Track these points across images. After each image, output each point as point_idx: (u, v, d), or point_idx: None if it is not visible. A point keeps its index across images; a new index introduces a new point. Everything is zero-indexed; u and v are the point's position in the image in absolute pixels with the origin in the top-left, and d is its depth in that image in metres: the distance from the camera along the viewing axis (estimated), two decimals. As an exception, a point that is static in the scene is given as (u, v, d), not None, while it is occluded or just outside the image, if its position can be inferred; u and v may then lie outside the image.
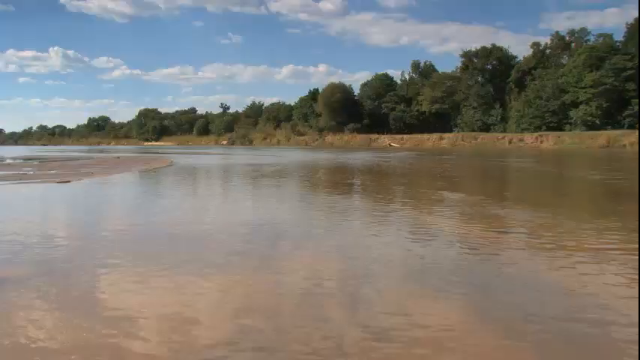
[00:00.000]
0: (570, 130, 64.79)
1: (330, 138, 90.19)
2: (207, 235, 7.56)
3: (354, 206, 11.30)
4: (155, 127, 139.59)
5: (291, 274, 5.33)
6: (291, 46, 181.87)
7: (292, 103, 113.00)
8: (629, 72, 62.84)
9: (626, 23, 72.23)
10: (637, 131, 56.68)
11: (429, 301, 4.47)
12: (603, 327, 3.85)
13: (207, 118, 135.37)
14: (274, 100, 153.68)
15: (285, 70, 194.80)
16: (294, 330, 3.80)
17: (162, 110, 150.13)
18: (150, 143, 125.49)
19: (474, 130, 77.06)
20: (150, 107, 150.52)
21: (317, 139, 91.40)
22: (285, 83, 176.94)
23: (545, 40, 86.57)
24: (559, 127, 67.03)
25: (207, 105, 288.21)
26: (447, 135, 76.16)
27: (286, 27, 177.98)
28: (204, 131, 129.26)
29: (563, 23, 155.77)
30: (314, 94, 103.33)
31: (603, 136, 56.93)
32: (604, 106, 63.35)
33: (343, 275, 5.30)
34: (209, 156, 44.52)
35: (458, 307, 4.32)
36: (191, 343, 3.60)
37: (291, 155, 43.40)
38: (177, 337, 3.70)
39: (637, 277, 5.06)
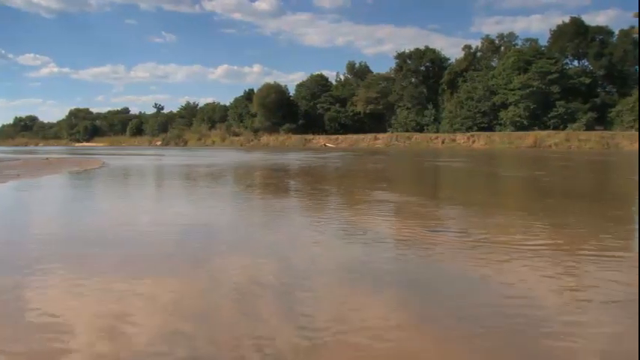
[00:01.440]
0: (500, 131, 66.92)
1: (265, 138, 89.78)
2: (138, 238, 7.30)
3: (288, 207, 11.24)
4: (86, 127, 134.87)
5: (225, 277, 5.25)
6: (225, 46, 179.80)
7: (227, 104, 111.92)
8: (554, 75, 65.53)
9: (550, 29, 75.68)
10: (560, 132, 59.30)
11: (364, 300, 4.44)
12: (532, 321, 3.89)
13: (141, 118, 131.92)
14: (209, 100, 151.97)
15: (220, 70, 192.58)
16: (225, 335, 3.69)
17: (94, 110, 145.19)
18: (81, 144, 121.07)
19: (407, 131, 78.38)
20: (80, 107, 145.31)
21: (252, 140, 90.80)
22: (220, 83, 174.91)
23: (476, 43, 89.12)
24: (490, 128, 69.11)
25: (140, 105, 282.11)
26: (381, 135, 77.20)
27: (221, 27, 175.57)
28: (138, 132, 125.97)
29: (492, 27, 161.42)
30: (249, 95, 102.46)
31: (531, 137, 59.19)
32: (531, 107, 65.74)
33: (278, 277, 5.20)
34: (143, 157, 43.39)
35: (393, 306, 4.33)
36: (118, 352, 3.43)
37: (227, 156, 42.94)
38: (104, 345, 3.52)
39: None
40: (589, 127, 61.54)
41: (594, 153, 44.81)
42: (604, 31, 72.08)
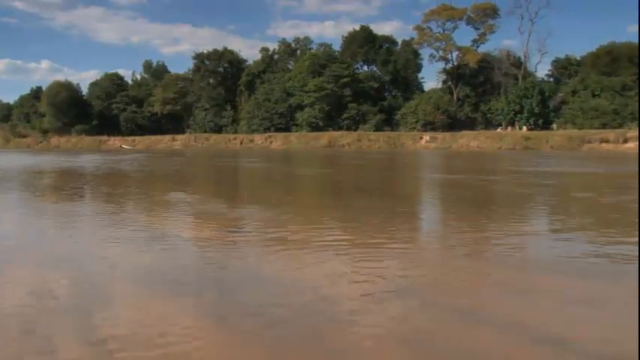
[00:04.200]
0: (297, 131, 68.53)
1: (55, 140, 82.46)
2: None
3: (80, 212, 10.19)
4: None
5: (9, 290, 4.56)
6: (5, 38, 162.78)
7: (11, 102, 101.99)
8: (346, 79, 68.86)
9: (342, 36, 79.56)
10: (352, 133, 62.38)
11: (160, 306, 4.16)
12: (323, 313, 3.89)
13: None
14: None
15: (1, 64, 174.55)
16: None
17: None
18: None
19: (206, 132, 77.12)
20: None
21: (41, 142, 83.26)
22: (1, 79, 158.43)
23: (273, 45, 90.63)
24: (287, 129, 70.46)
25: None
26: (179, 136, 74.98)
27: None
28: None
29: (288, 31, 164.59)
30: (37, 93, 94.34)
31: (326, 137, 61.37)
32: (326, 109, 68.35)
33: (68, 285, 4.72)
34: None
35: (190, 310, 4.08)
36: None
37: (10, 159, 38.51)
38: None
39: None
40: (378, 128, 65.44)
41: (383, 152, 47.51)
42: (389, 40, 77.65)
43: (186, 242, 6.69)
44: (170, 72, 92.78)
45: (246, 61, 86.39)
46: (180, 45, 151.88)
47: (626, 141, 48.08)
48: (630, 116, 54.73)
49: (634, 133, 48.89)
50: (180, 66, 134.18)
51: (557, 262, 5.57)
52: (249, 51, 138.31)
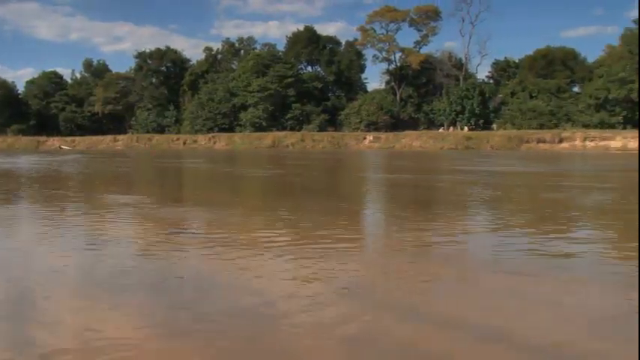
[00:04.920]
0: (240, 132, 68.08)
1: (-11, 140, 79.97)
2: None
3: (15, 216, 9.61)
4: None
5: None
6: None
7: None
8: (290, 79, 68.77)
9: (286, 36, 79.47)
10: (296, 133, 62.34)
11: (98, 312, 3.99)
12: (269, 314, 3.86)
13: None
14: None
15: None
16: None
17: None
18: None
19: (149, 132, 75.61)
20: None
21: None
22: None
23: (217, 45, 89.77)
24: (230, 129, 69.91)
25: None
26: (121, 137, 73.20)
27: None
28: None
29: (232, 31, 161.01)
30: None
31: (270, 137, 61.17)
32: (269, 109, 68.13)
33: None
34: None
35: (128, 316, 3.92)
36: None
37: None
38: None
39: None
40: (322, 128, 65.66)
41: (327, 152, 47.67)
42: (333, 41, 78.02)
43: (127, 246, 6.45)
44: (111, 71, 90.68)
45: (189, 60, 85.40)
46: (121, 43, 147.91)
47: (561, 141, 49.72)
48: (565, 117, 56.54)
49: (568, 133, 50.55)
50: (122, 65, 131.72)
51: (497, 259, 5.68)
52: (193, 50, 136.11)
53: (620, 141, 47.16)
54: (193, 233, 7.31)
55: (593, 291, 4.55)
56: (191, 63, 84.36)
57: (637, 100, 51.86)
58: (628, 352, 3.19)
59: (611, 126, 52.35)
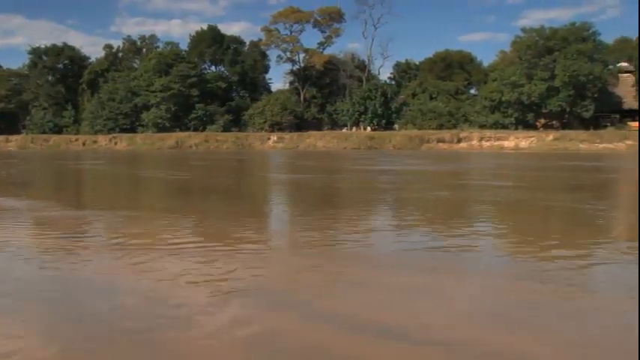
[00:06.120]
0: (143, 132, 66.61)
1: None
2: None
3: None
4: None
5: None
6: None
7: None
8: (193, 79, 67.92)
9: (190, 35, 78.46)
10: (200, 133, 61.79)
11: None
12: (172, 319, 3.78)
13: None
14: None
15: None
16: None
17: None
18: None
19: (45, 132, 72.33)
20: None
21: None
22: None
23: (117, 43, 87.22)
24: (132, 129, 68.25)
25: None
26: (14, 137, 69.53)
27: None
28: None
29: (133, 28, 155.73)
30: None
31: (173, 138, 60.32)
32: (172, 109, 67.04)
33: None
34: None
35: (22, 325, 3.78)
36: None
37: None
38: None
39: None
40: (226, 128, 65.38)
41: (231, 153, 47.58)
42: (237, 41, 77.73)
43: (18, 252, 6.10)
44: (2, 67, 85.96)
45: (88, 58, 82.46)
46: (13, 38, 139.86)
47: (459, 141, 52.21)
48: (463, 118, 59.16)
49: (466, 133, 53.04)
50: (15, 61, 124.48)
51: (399, 256, 5.84)
52: (92, 48, 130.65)
53: (513, 141, 50.26)
54: (91, 237, 7.08)
55: (490, 285, 4.74)
56: (90, 61, 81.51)
57: (527, 102, 55.04)
58: (526, 344, 3.31)
59: (505, 127, 55.46)
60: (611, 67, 57.63)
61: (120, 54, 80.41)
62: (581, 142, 46.91)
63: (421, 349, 3.28)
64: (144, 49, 79.61)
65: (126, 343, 3.41)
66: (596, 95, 53.88)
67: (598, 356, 3.22)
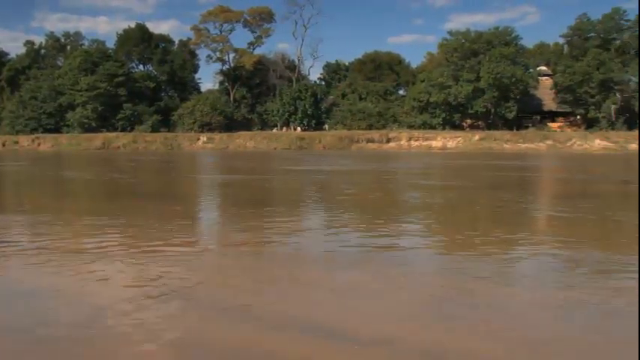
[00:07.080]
0: (68, 132, 64.81)
1: None
2: None
3: None
4: None
5: None
6: None
7: None
8: (121, 78, 66.54)
9: (117, 32, 76.88)
10: (128, 134, 60.68)
11: None
12: (99, 323, 3.86)
13: None
14: None
15: None
16: None
17: None
18: None
19: (-39, 132, 69.70)
20: None
21: None
22: None
23: (40, 39, 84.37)
24: (57, 129, 66.26)
25: None
26: None
27: None
28: None
29: (57, 24, 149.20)
30: None
31: (100, 138, 58.98)
32: (99, 109, 65.52)
33: None
34: None
35: None
36: None
37: None
38: None
39: None
40: (155, 129, 64.42)
41: (160, 153, 47.19)
42: (166, 40, 76.73)
43: None
44: None
45: (7, 54, 79.39)
46: None
47: (389, 141, 53.58)
48: (392, 118, 60.58)
49: (395, 133, 54.40)
50: None
51: (330, 256, 6.02)
52: (11, 44, 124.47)
53: (441, 141, 52.14)
54: (8, 242, 6.85)
55: (419, 282, 4.95)
56: (10, 57, 78.53)
57: (454, 103, 56.89)
58: (455, 340, 3.49)
59: (433, 127, 57.34)
60: (531, 70, 60.38)
61: (42, 51, 77.83)
62: (506, 142, 49.48)
63: (352, 348, 3.39)
64: (68, 47, 77.33)
65: (47, 351, 3.44)
66: (518, 97, 56.65)
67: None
